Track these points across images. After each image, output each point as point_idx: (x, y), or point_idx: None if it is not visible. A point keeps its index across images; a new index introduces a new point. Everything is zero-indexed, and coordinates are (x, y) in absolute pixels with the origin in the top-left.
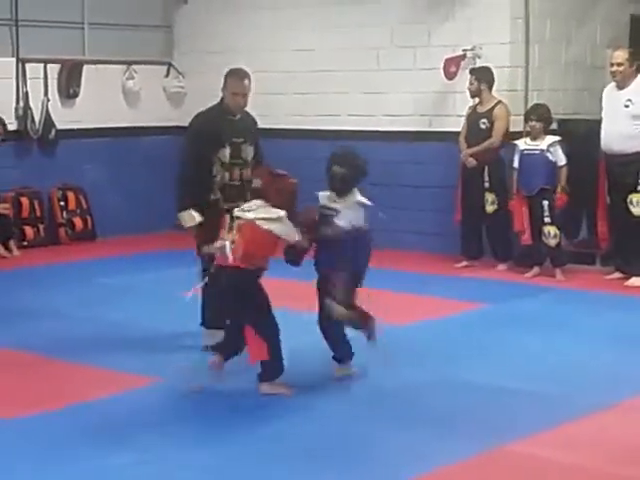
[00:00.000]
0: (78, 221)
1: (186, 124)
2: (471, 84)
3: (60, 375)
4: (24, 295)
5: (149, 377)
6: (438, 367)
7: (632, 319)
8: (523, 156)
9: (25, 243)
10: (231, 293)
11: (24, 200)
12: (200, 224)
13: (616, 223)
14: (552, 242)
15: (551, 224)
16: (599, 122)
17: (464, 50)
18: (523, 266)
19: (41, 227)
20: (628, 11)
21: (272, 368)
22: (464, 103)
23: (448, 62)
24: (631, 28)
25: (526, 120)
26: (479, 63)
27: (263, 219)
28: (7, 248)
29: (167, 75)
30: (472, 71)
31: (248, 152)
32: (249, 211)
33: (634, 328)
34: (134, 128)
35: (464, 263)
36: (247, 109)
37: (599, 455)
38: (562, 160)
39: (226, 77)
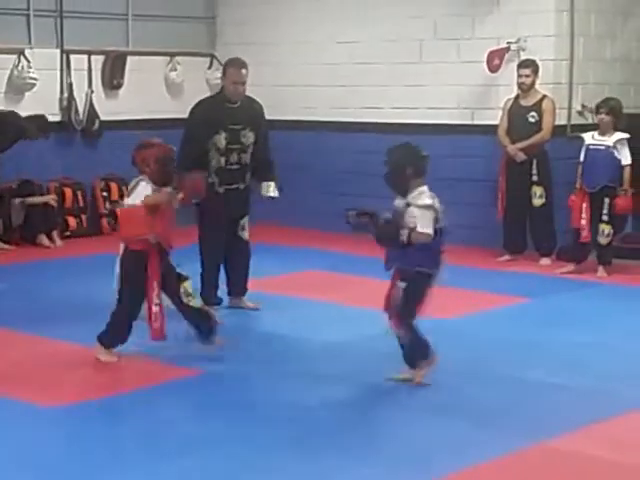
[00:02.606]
0: None
1: None
2: (527, 77)
3: (103, 366)
4: (67, 285)
5: (191, 369)
6: (479, 361)
7: None
8: (589, 151)
9: (68, 233)
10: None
11: (67, 190)
12: (197, 204)
13: None
14: (604, 240)
15: (607, 222)
16: None
17: (508, 43)
18: (565, 261)
19: (84, 217)
20: None
21: (111, 337)
22: (507, 96)
23: (492, 55)
24: None
25: (596, 113)
26: (523, 56)
27: (128, 195)
28: (50, 238)
29: (210, 67)
30: (528, 63)
31: (248, 137)
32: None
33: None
34: (177, 120)
35: (506, 257)
36: (276, 99)
37: None
38: (627, 159)
39: (225, 67)
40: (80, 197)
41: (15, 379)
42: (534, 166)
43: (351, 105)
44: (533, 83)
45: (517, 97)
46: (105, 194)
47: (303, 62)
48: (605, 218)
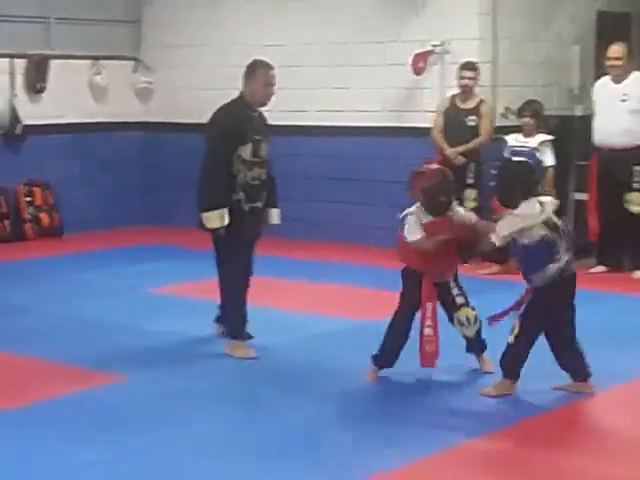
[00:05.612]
0: (44, 217)
1: (153, 119)
2: (470, 79)
3: (27, 371)
4: None
5: (115, 374)
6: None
7: (610, 315)
8: (512, 153)
9: None
10: None
11: None
12: (227, 227)
13: (607, 218)
14: None
15: None
16: (568, 118)
17: (433, 45)
18: (489, 262)
19: (7, 223)
20: (594, 8)
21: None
22: (432, 99)
23: (417, 57)
24: (597, 25)
25: (519, 116)
26: (448, 59)
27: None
28: None
29: (135, 70)
30: (471, 66)
31: (265, 150)
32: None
33: (612, 323)
34: (101, 123)
35: None
36: (202, 102)
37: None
38: (548, 161)
39: (252, 69)
40: (3, 202)
41: None
42: (471, 169)
43: (275, 108)
44: (475, 85)
45: (453, 99)
46: (28, 199)
47: (229, 65)
48: None
